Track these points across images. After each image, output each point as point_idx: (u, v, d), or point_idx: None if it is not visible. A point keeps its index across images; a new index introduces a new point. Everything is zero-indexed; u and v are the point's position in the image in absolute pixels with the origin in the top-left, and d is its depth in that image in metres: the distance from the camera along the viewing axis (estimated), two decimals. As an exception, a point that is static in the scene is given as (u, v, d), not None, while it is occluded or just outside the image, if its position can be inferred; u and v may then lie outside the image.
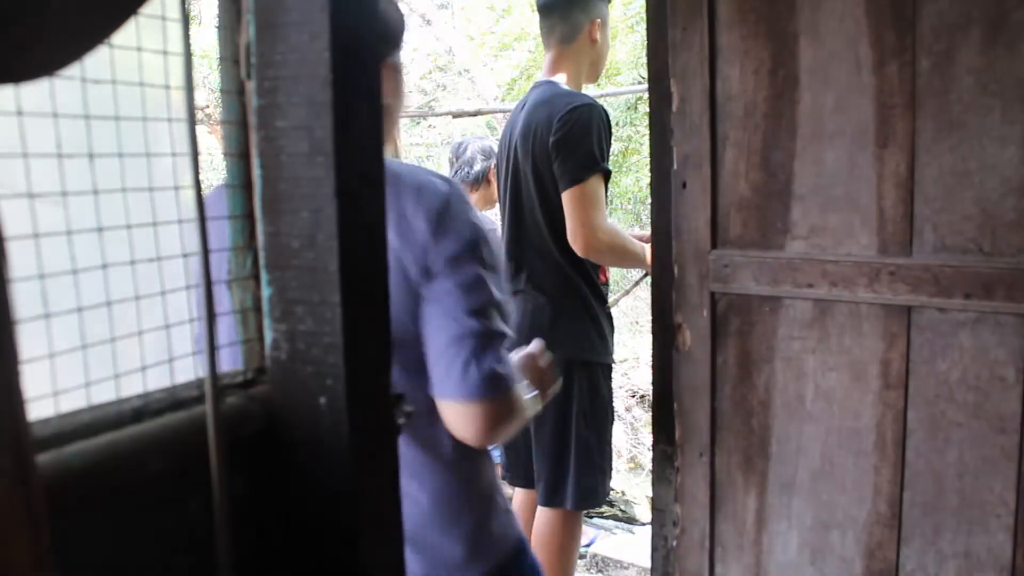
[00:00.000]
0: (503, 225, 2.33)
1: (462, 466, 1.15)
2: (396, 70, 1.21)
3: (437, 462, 1.13)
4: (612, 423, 2.35)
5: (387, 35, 1.18)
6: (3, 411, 0.37)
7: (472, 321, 1.04)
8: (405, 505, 0.87)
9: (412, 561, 1.12)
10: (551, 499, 2.27)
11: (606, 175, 2.10)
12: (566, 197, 2.06)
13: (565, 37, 2.25)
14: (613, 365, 2.36)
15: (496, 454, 3.24)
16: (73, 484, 0.50)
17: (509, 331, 1.10)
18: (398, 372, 0.95)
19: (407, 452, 1.10)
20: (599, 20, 2.25)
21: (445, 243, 1.05)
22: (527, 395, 1.15)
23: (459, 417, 1.07)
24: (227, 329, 0.67)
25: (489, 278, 1.07)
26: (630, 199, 7.00)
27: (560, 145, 2.07)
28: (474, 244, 1.07)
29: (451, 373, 1.04)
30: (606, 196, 2.14)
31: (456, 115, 4.72)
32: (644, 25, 1.49)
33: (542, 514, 2.32)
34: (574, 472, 2.23)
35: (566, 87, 2.24)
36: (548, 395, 1.32)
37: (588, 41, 2.26)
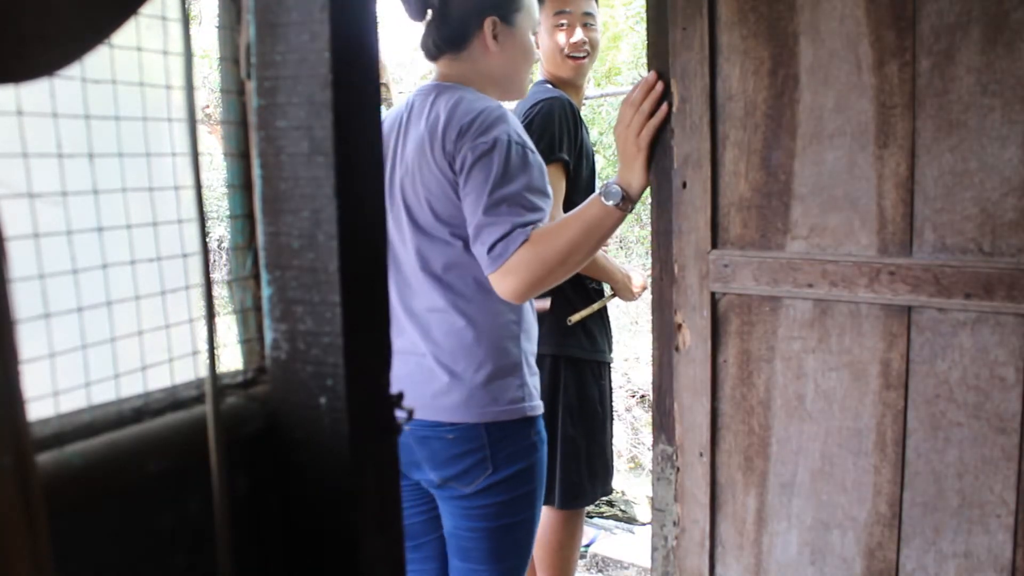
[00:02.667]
0: None
1: (506, 329, 1.51)
2: (505, 25, 1.56)
3: (486, 322, 1.49)
4: (608, 422, 2.33)
5: None
6: (3, 411, 0.37)
7: (483, 217, 1.40)
8: (453, 328, 1.50)
9: (437, 373, 1.49)
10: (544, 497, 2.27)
11: (565, 167, 2.10)
12: None
13: None
14: (608, 364, 2.34)
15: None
16: (73, 484, 0.50)
17: (532, 215, 1.40)
18: (460, 248, 1.48)
19: (472, 299, 1.49)
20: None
21: (464, 151, 1.42)
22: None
23: (494, 286, 1.44)
24: None
25: (503, 178, 1.40)
26: (630, 199, 6.99)
27: None
28: (488, 151, 1.40)
29: (479, 259, 1.43)
30: (571, 187, 2.14)
31: (456, 115, 4.71)
32: (644, 25, 1.49)
33: (543, 512, 2.31)
34: (560, 471, 2.22)
35: (547, 85, 2.26)
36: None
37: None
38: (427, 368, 1.51)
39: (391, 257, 1.55)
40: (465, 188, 1.43)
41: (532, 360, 1.59)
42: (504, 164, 1.41)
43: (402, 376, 1.54)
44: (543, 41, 2.29)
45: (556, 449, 2.22)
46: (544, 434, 1.59)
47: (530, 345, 1.58)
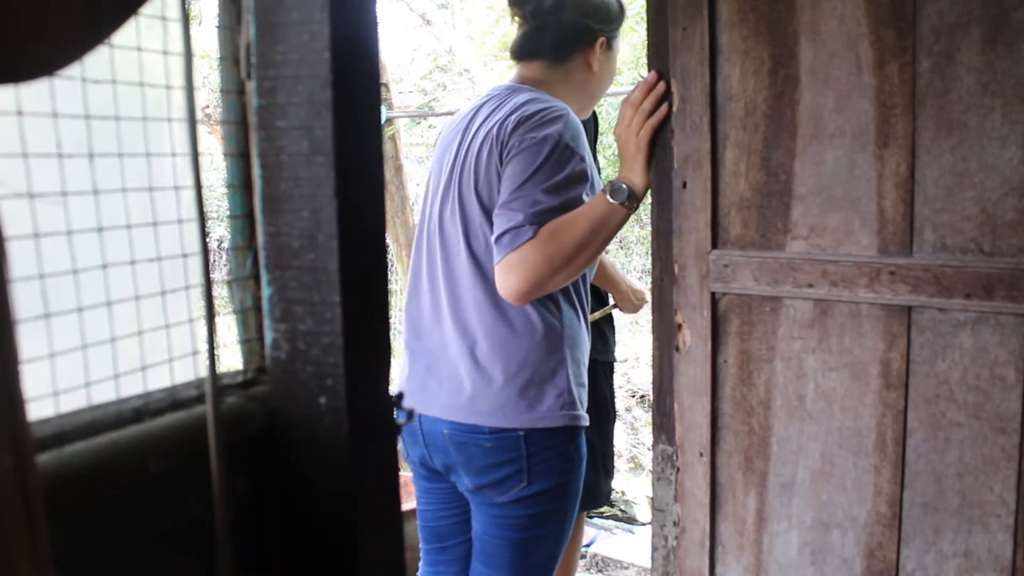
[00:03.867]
0: None
1: (544, 332, 1.48)
2: (607, 48, 1.60)
3: (524, 322, 1.47)
4: (614, 422, 2.34)
5: (604, 15, 1.58)
6: (3, 411, 0.37)
7: (502, 207, 1.40)
8: (491, 336, 1.49)
9: (474, 378, 1.49)
10: None
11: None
12: None
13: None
14: (615, 364, 2.35)
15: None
16: (73, 484, 0.50)
17: (553, 215, 1.39)
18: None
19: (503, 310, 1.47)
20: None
21: (513, 141, 1.42)
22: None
23: (497, 284, 1.42)
24: None
25: (536, 173, 1.39)
26: (630, 199, 6.98)
27: None
28: (533, 145, 1.41)
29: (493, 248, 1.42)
30: None
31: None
32: (644, 25, 1.49)
33: None
34: None
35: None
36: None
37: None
38: (467, 367, 1.50)
39: (444, 252, 1.54)
40: (503, 176, 1.44)
41: (580, 370, 1.55)
42: (544, 160, 1.40)
43: (443, 376, 1.53)
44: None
45: None
46: (584, 450, 1.57)
47: (576, 352, 1.55)
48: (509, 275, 1.39)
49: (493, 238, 1.41)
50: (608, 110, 7.09)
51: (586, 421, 1.55)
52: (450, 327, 1.52)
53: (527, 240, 1.38)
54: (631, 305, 2.23)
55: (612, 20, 1.60)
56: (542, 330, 1.49)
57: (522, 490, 1.48)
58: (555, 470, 1.50)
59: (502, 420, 1.46)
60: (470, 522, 1.63)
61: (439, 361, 1.54)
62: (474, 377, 1.48)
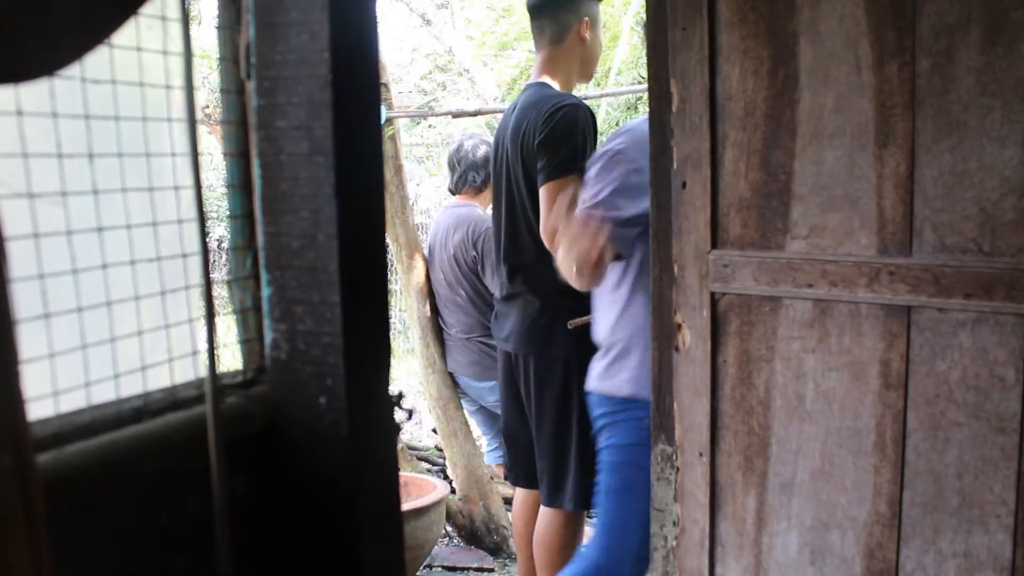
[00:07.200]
0: (497, 228, 2.32)
1: (628, 307, 1.80)
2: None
3: (616, 302, 1.82)
4: None
5: None
6: (3, 411, 0.37)
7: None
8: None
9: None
10: (552, 499, 2.27)
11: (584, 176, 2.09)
12: (541, 192, 2.07)
13: (554, 37, 2.23)
14: None
15: (498, 455, 3.23)
16: (73, 484, 0.50)
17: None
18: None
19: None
20: (588, 19, 2.23)
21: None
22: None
23: None
24: None
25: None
26: (630, 199, 6.97)
27: (543, 144, 2.07)
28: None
29: None
30: None
31: (456, 115, 4.68)
32: (643, 26, 1.49)
33: (544, 514, 2.31)
34: (575, 473, 2.22)
35: (556, 88, 2.23)
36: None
37: (578, 40, 2.24)
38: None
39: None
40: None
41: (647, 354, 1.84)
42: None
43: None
44: (594, 40, 2.27)
45: (571, 452, 2.22)
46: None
47: (646, 336, 1.84)
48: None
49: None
50: (608, 110, 7.09)
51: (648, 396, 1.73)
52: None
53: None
54: None
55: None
56: (636, 322, 1.78)
57: (608, 439, 1.84)
58: (631, 431, 1.79)
59: (590, 384, 1.87)
60: None
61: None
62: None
